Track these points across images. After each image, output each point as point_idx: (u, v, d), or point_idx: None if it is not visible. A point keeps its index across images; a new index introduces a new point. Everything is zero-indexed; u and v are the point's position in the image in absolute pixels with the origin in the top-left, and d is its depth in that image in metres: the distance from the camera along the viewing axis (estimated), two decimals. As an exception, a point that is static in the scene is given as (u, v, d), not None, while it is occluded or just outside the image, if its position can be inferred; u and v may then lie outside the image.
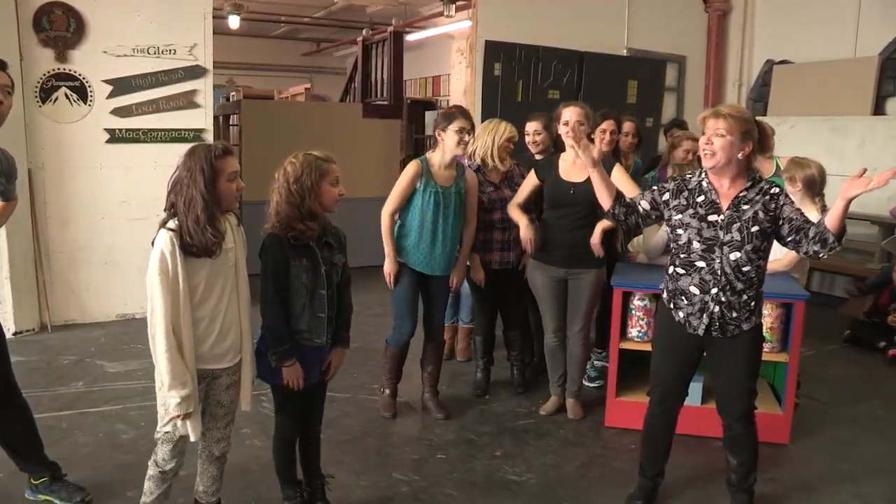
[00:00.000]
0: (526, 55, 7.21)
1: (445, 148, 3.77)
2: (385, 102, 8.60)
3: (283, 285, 2.63)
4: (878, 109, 7.23)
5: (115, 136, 5.57)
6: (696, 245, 2.80)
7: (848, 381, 4.84)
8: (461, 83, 7.50)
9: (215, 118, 7.42)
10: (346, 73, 11.65)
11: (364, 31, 9.49)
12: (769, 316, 3.75)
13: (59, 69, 5.36)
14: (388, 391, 4.06)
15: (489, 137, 4.18)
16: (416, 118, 10.37)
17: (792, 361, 3.72)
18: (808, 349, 4.81)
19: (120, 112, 5.57)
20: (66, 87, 5.40)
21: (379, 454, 3.60)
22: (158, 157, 5.56)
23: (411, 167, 3.79)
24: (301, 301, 2.65)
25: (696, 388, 3.76)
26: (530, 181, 3.98)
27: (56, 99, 5.37)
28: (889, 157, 6.84)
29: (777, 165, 4.81)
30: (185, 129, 5.77)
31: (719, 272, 2.77)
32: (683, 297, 2.86)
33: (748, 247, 2.73)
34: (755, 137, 2.76)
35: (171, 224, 2.36)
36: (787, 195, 2.78)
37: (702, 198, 2.81)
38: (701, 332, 2.83)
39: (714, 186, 2.80)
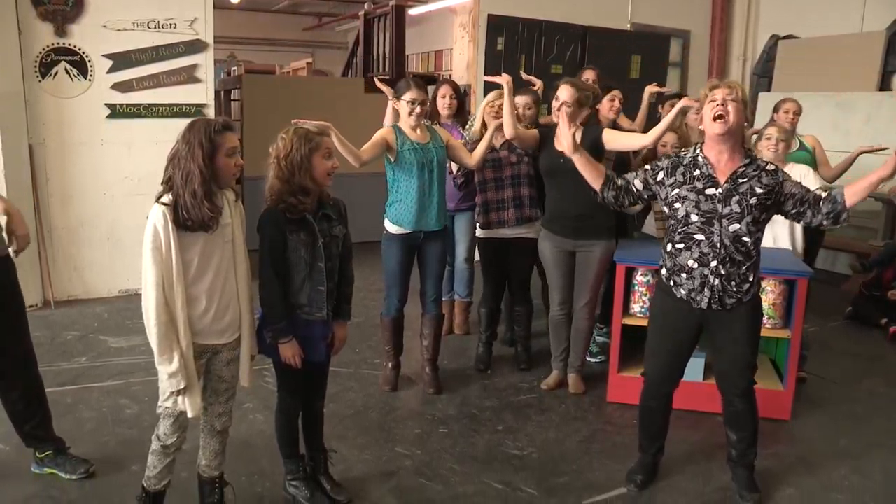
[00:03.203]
0: (529, 30, 7.15)
1: (402, 116, 3.84)
2: (387, 77, 8.53)
3: (282, 260, 2.62)
4: (885, 85, 7.17)
5: (116, 112, 5.54)
6: (694, 218, 2.79)
7: (849, 358, 4.85)
8: (464, 58, 7.44)
9: (216, 93, 7.38)
10: (348, 47, 11.55)
11: (366, 6, 9.38)
12: (772, 292, 3.75)
13: (58, 43, 5.32)
14: (389, 364, 4.08)
15: (479, 110, 4.27)
16: (418, 93, 10.30)
17: (794, 338, 3.72)
18: (810, 325, 4.81)
19: (120, 87, 5.53)
20: (65, 61, 5.36)
21: (381, 429, 3.62)
22: (160, 132, 5.54)
23: (384, 129, 3.85)
24: (300, 275, 2.64)
25: (697, 364, 3.77)
26: (533, 130, 4.01)
27: (56, 74, 5.33)
28: (894, 134, 6.79)
29: (801, 142, 4.82)
30: (185, 104, 5.73)
31: (718, 245, 2.76)
32: (683, 274, 2.85)
33: (748, 218, 2.73)
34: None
35: (165, 199, 2.35)
36: (785, 172, 2.81)
37: (698, 172, 2.81)
38: (704, 305, 2.82)
39: (710, 161, 2.79)
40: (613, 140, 3.81)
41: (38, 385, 3.08)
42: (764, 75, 8.34)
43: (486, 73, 6.91)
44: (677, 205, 2.83)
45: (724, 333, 2.89)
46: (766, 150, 4.03)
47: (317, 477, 2.98)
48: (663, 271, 2.96)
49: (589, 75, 4.77)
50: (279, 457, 2.95)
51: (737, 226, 2.74)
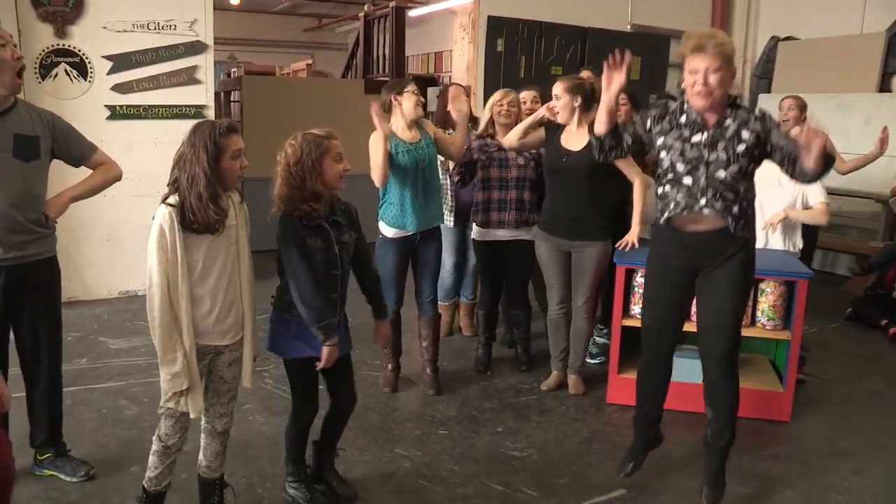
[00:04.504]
0: (529, 31, 7.16)
1: (404, 111, 3.77)
2: (387, 78, 8.54)
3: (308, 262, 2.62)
4: (885, 86, 7.18)
5: (116, 113, 5.55)
6: (679, 167, 2.74)
7: (849, 359, 4.85)
8: (464, 59, 7.44)
9: (216, 94, 7.38)
10: (348, 48, 11.56)
11: (366, 7, 9.40)
12: (772, 293, 3.75)
13: (58, 45, 5.32)
14: (389, 366, 4.08)
15: (487, 109, 4.26)
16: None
17: (794, 339, 3.72)
18: (810, 327, 4.81)
19: (120, 88, 5.53)
20: (65, 63, 5.36)
21: (381, 430, 3.62)
22: (160, 133, 5.54)
23: (378, 136, 3.70)
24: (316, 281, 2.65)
25: (695, 365, 3.76)
26: (539, 131, 3.98)
27: (56, 75, 5.33)
28: (894, 135, 6.79)
29: None
30: (185, 106, 5.74)
31: (705, 185, 2.70)
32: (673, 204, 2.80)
33: (734, 167, 2.67)
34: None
35: (172, 200, 2.36)
36: (773, 119, 2.70)
37: (684, 118, 2.74)
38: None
39: (699, 115, 2.73)
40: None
41: (60, 385, 3.13)
42: (764, 76, 8.35)
43: (486, 74, 6.95)
44: (663, 153, 2.79)
45: (712, 284, 2.80)
46: None
47: (322, 474, 2.98)
48: (661, 217, 2.87)
49: (585, 75, 4.80)
50: (279, 458, 2.95)
51: (723, 173, 2.68)
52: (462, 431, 3.62)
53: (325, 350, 2.60)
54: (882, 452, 3.53)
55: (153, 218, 2.36)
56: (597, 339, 4.64)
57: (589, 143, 3.69)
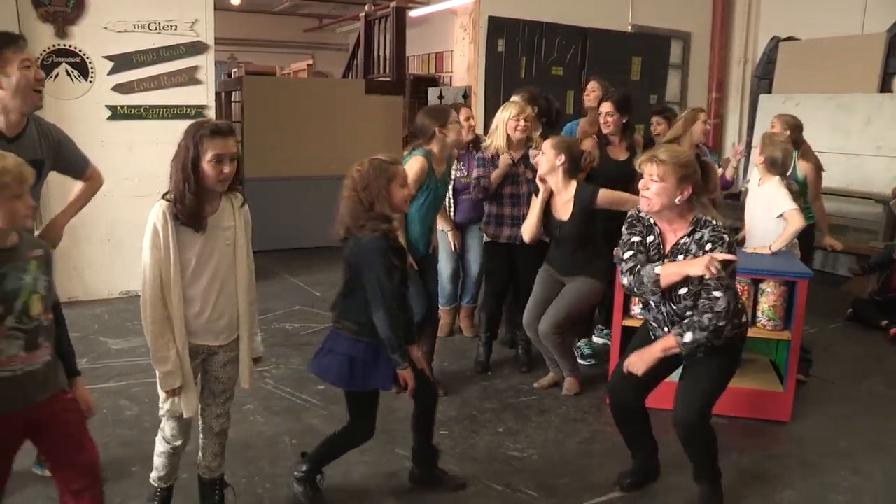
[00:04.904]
0: (529, 31, 7.16)
1: (448, 143, 3.72)
2: (388, 79, 8.54)
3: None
4: (886, 87, 7.17)
5: (117, 113, 5.55)
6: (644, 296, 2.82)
7: (850, 360, 4.85)
8: (464, 60, 7.46)
9: (217, 94, 7.39)
10: (349, 49, 11.56)
11: (367, 7, 9.39)
12: (772, 294, 3.75)
13: (59, 45, 5.32)
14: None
15: (500, 125, 4.20)
16: (419, 95, 10.31)
17: (794, 339, 3.72)
18: (810, 327, 4.81)
19: (121, 88, 5.54)
20: (66, 63, 5.36)
21: (381, 430, 3.59)
22: (160, 133, 5.53)
23: (417, 163, 3.60)
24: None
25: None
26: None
27: (57, 75, 5.33)
28: (895, 135, 6.81)
29: (794, 168, 4.74)
30: (186, 106, 5.74)
31: (667, 314, 2.76)
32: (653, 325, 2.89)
33: (688, 302, 2.68)
34: (696, 180, 2.68)
35: (168, 196, 2.37)
36: (721, 252, 2.61)
37: (651, 238, 2.80)
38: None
39: (659, 226, 2.79)
40: (611, 200, 3.81)
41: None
42: (764, 77, 8.35)
43: (486, 75, 6.94)
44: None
45: (690, 367, 2.84)
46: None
47: (432, 471, 3.05)
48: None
49: (591, 87, 4.83)
50: (280, 458, 2.95)
51: (689, 302, 2.67)
52: (462, 432, 3.62)
53: (403, 374, 2.73)
54: (882, 452, 3.53)
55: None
56: (595, 339, 4.64)
57: (574, 210, 3.77)
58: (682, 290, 2.67)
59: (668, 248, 2.75)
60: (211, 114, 5.84)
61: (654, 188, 2.66)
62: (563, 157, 3.76)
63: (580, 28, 7.44)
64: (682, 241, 2.71)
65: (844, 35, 7.47)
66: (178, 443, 2.60)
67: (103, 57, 5.45)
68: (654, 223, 2.81)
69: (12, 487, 2.96)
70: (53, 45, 5.30)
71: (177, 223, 2.36)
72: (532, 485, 3.14)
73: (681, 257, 2.69)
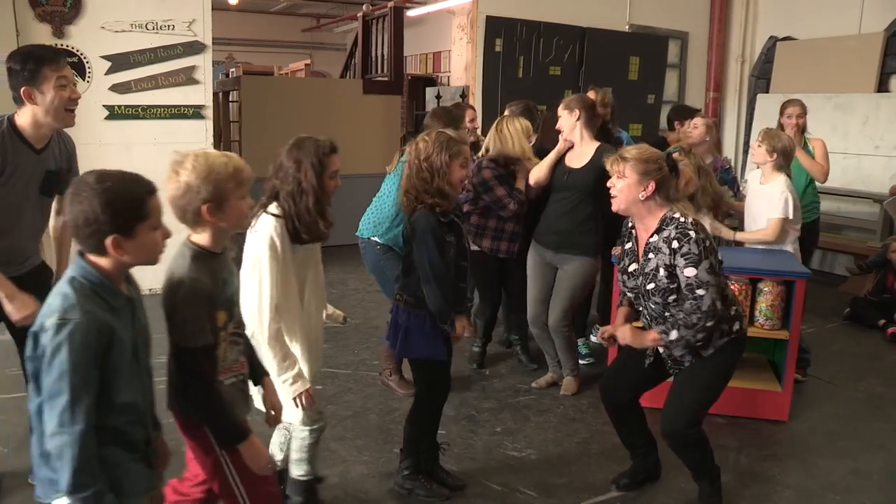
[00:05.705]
0: (527, 31, 7.16)
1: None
2: (386, 78, 8.54)
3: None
4: (883, 87, 7.18)
5: (115, 113, 5.54)
6: (629, 294, 2.85)
7: (848, 359, 4.85)
8: (462, 59, 7.44)
9: (215, 94, 7.37)
10: (347, 48, 11.56)
11: (364, 7, 9.39)
12: (770, 293, 3.75)
13: (56, 45, 5.30)
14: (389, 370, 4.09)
15: (514, 139, 4.03)
16: (416, 94, 10.29)
17: (792, 338, 3.72)
18: (808, 326, 4.81)
19: (119, 88, 5.53)
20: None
21: (380, 430, 3.62)
22: (158, 133, 5.53)
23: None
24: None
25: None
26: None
27: (55, 75, 5.32)
28: (893, 135, 6.82)
29: (805, 143, 4.74)
30: (184, 106, 5.72)
31: (654, 316, 2.76)
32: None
33: (657, 298, 2.67)
34: (661, 176, 2.65)
35: (275, 209, 2.40)
36: (688, 248, 2.58)
37: (629, 244, 2.83)
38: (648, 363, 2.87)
39: (636, 230, 2.80)
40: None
41: None
42: (762, 76, 8.36)
43: (484, 75, 6.93)
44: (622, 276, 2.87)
45: (680, 377, 2.83)
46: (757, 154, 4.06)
47: (432, 469, 3.04)
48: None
49: (591, 95, 4.79)
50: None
51: (658, 300, 2.68)
52: (461, 431, 3.62)
53: (460, 324, 2.82)
54: (881, 451, 3.53)
55: (253, 229, 2.39)
56: (592, 338, 4.64)
57: (591, 161, 3.71)
58: (650, 287, 2.68)
59: (640, 251, 2.75)
60: (209, 114, 5.81)
61: (618, 185, 2.68)
62: (577, 112, 3.77)
63: (578, 28, 7.44)
64: (652, 239, 2.69)
65: (842, 35, 7.48)
66: (319, 424, 2.63)
67: (101, 57, 5.44)
68: (633, 227, 2.82)
69: (12, 489, 2.97)
70: (51, 45, 5.28)
71: (284, 239, 2.40)
72: (530, 484, 3.14)
73: (651, 255, 2.67)
